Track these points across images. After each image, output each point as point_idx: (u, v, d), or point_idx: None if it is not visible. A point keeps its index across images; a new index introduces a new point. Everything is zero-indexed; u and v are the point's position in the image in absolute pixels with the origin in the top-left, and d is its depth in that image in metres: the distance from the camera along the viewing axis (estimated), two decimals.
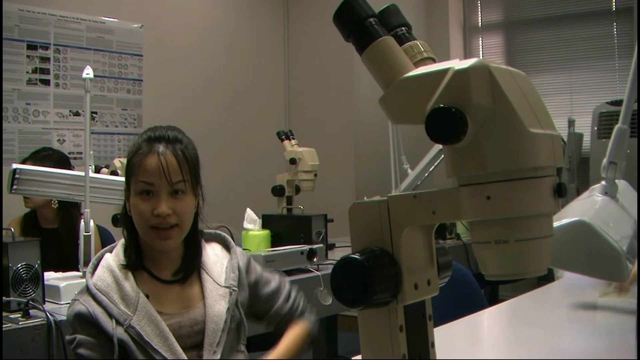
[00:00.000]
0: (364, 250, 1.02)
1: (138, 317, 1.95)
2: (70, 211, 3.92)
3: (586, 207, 1.50)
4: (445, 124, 0.90)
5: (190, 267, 2.12)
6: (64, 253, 3.69)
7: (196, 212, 2.11)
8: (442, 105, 0.91)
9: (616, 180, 1.60)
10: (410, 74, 1.00)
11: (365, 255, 1.00)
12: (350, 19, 1.05)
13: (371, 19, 1.05)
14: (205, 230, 2.23)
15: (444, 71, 0.95)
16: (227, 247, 2.25)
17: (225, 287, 2.11)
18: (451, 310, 2.63)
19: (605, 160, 1.58)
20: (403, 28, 1.09)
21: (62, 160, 4.06)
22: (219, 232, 2.30)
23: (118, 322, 1.94)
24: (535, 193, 0.93)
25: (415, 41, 1.08)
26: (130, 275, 2.03)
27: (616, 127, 1.59)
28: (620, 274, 1.31)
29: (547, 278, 3.57)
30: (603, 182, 1.59)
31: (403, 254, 1.02)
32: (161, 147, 2.02)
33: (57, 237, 3.91)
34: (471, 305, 2.91)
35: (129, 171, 2.05)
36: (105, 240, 4.05)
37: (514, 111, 0.91)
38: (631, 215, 1.59)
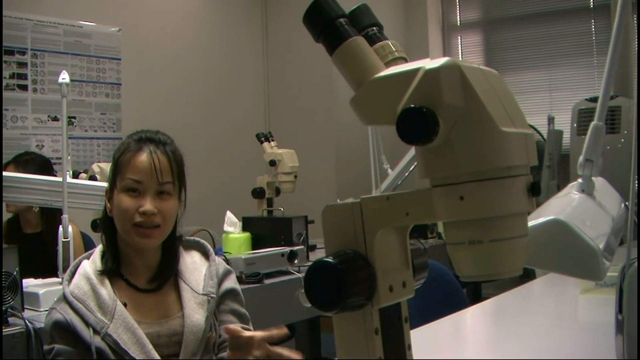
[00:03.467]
0: (337, 253, 1.01)
1: (115, 325, 1.93)
2: (54, 214, 3.89)
3: (562, 205, 1.50)
4: (416, 125, 0.89)
5: (167, 273, 2.10)
6: (50, 257, 3.66)
7: (176, 217, 2.10)
8: (412, 106, 0.90)
9: (593, 178, 1.59)
10: (381, 74, 0.99)
11: (339, 259, 0.98)
12: (320, 20, 1.03)
13: (341, 19, 1.03)
14: (184, 238, 2.22)
15: (415, 71, 0.93)
16: (206, 255, 2.23)
17: (203, 294, 2.09)
18: (433, 310, 2.63)
19: (581, 158, 1.58)
20: (374, 28, 1.08)
21: (44, 165, 4.04)
22: (199, 239, 2.28)
23: (95, 331, 1.92)
24: (509, 192, 0.92)
25: (387, 41, 1.07)
26: (107, 282, 2.02)
27: (592, 124, 1.59)
28: (597, 272, 1.31)
29: (529, 275, 3.58)
30: (580, 180, 1.59)
31: (377, 256, 1.01)
32: (152, 147, 2.03)
33: (41, 242, 3.89)
34: (453, 304, 2.91)
35: (116, 169, 2.04)
36: (88, 246, 4.02)
37: (485, 110, 0.90)
38: (608, 212, 1.59)
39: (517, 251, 0.95)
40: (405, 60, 1.05)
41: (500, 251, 0.94)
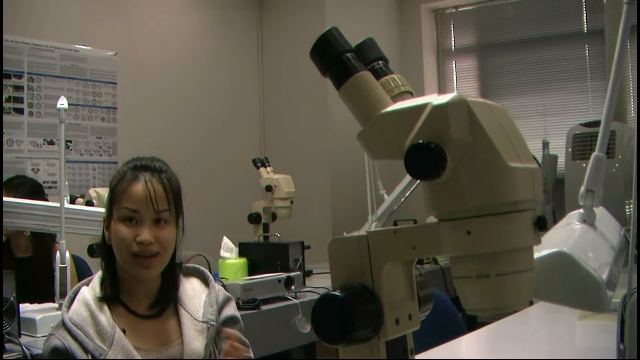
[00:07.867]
0: (344, 286, 1.01)
1: (114, 351, 1.93)
2: (43, 238, 3.87)
3: (565, 236, 1.50)
4: (425, 160, 0.90)
5: (167, 300, 2.10)
6: (39, 282, 3.65)
7: (175, 244, 2.10)
8: (420, 141, 0.91)
9: (594, 208, 1.60)
10: (389, 109, 1.00)
11: (346, 292, 0.99)
12: (327, 54, 1.04)
13: (348, 54, 1.04)
14: (184, 265, 2.22)
15: (422, 106, 0.94)
16: (205, 282, 2.23)
17: (203, 322, 2.09)
18: (430, 335, 2.62)
19: (582, 189, 1.59)
20: (380, 62, 1.09)
21: (35, 188, 4.02)
22: (199, 266, 2.28)
23: (94, 357, 1.92)
24: (516, 227, 0.93)
25: (393, 75, 1.08)
26: (106, 308, 2.01)
27: (593, 155, 1.60)
28: (601, 304, 1.31)
29: None
30: (581, 210, 1.59)
31: (384, 289, 1.02)
32: (147, 175, 2.03)
33: (30, 266, 3.87)
34: (450, 330, 2.91)
35: (112, 198, 2.04)
36: (81, 270, 4.00)
37: (493, 146, 0.91)
38: (609, 242, 1.60)
39: (524, 285, 0.96)
40: (412, 94, 1.06)
41: (507, 285, 0.94)
